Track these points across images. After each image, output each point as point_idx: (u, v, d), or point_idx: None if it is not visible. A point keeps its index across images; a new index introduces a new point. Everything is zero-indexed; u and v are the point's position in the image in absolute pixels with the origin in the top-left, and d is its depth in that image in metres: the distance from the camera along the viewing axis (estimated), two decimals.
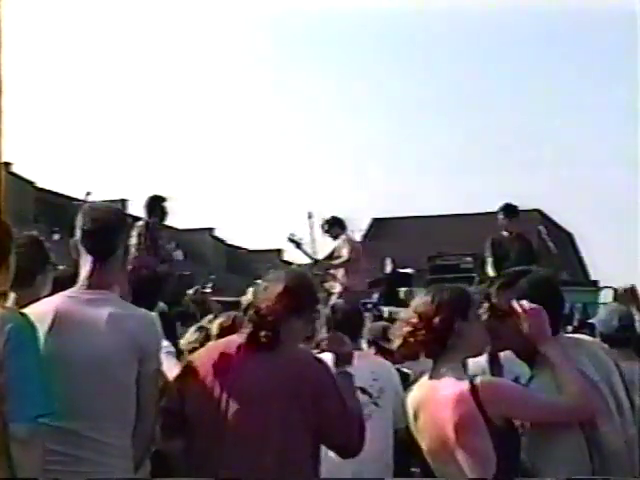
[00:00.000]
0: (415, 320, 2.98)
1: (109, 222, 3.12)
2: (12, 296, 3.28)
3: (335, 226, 9.90)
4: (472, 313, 3.00)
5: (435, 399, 2.91)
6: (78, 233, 3.14)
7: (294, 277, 3.24)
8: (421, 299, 3.04)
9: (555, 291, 3.15)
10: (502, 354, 3.28)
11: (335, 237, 9.93)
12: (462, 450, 2.82)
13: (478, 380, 2.85)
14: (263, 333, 3.05)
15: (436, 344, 2.96)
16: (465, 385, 2.84)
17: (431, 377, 2.98)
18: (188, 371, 3.19)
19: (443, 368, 2.95)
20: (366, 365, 4.48)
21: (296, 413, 3.01)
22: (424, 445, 2.99)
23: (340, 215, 10.10)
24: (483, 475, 2.80)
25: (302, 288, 3.21)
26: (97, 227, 3.10)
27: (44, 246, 3.54)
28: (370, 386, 4.48)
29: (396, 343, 3.05)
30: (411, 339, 2.97)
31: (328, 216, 10.02)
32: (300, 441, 3.03)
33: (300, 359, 3.14)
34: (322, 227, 10.01)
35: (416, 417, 3.00)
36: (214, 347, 3.35)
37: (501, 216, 9.53)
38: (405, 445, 4.59)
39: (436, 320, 2.94)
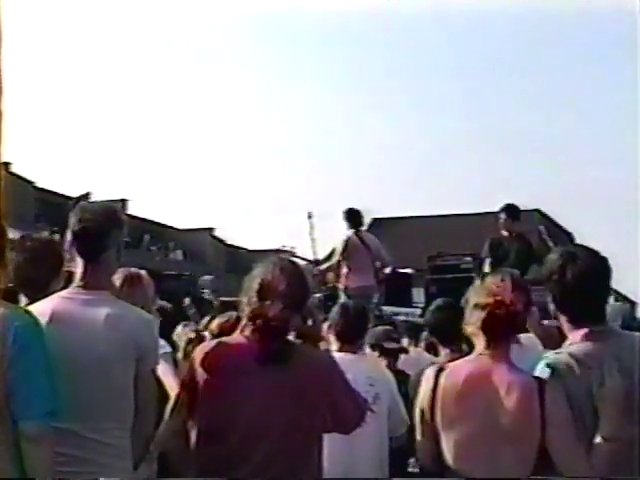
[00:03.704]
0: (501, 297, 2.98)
1: (96, 223, 3.12)
2: (23, 300, 3.29)
3: (346, 220, 9.55)
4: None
5: (496, 381, 2.94)
6: (69, 235, 3.15)
7: (293, 273, 3.10)
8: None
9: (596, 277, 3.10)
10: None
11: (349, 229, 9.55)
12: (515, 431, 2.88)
13: (547, 380, 2.89)
14: (276, 346, 2.98)
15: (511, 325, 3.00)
16: (534, 380, 2.91)
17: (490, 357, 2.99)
18: (198, 372, 3.04)
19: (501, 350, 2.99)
20: (363, 369, 4.43)
21: (316, 420, 3.01)
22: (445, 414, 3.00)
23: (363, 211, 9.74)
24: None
25: (303, 284, 3.12)
26: (84, 229, 3.11)
27: (60, 250, 3.50)
28: (366, 392, 4.31)
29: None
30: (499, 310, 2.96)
31: (347, 208, 9.61)
32: (313, 444, 3.04)
33: (313, 364, 3.10)
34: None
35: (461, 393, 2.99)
36: (220, 347, 3.12)
37: (503, 217, 9.52)
38: (402, 453, 4.58)
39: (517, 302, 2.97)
